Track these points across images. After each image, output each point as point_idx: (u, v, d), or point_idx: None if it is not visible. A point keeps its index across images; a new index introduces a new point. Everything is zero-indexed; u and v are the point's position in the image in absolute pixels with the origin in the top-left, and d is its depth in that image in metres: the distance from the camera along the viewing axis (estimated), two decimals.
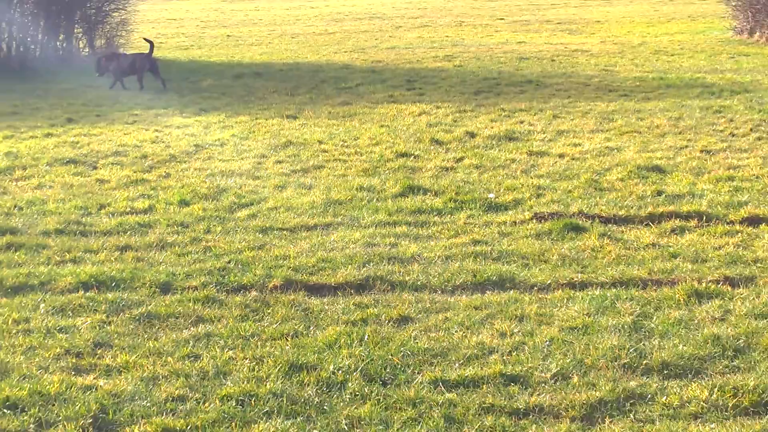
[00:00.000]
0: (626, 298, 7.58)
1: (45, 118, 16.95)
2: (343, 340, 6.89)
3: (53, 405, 6.01)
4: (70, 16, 27.28)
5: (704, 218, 9.69)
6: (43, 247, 9.38)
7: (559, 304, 7.52)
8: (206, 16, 46.61)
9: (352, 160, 12.95)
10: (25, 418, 5.86)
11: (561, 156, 12.76)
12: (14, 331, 7.24)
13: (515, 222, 9.76)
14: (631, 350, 6.60)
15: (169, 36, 34.95)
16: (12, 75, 23.61)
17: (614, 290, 7.79)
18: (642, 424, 5.74)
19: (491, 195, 10.77)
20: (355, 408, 5.95)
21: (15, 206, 10.94)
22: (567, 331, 6.98)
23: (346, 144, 13.96)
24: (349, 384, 6.24)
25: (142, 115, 17.02)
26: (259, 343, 6.94)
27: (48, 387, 6.21)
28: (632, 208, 10.14)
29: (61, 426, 5.76)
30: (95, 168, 12.96)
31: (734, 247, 8.86)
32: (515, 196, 10.70)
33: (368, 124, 15.48)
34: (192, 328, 7.25)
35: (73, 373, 6.50)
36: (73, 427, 5.74)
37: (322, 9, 48.43)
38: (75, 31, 27.49)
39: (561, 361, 6.48)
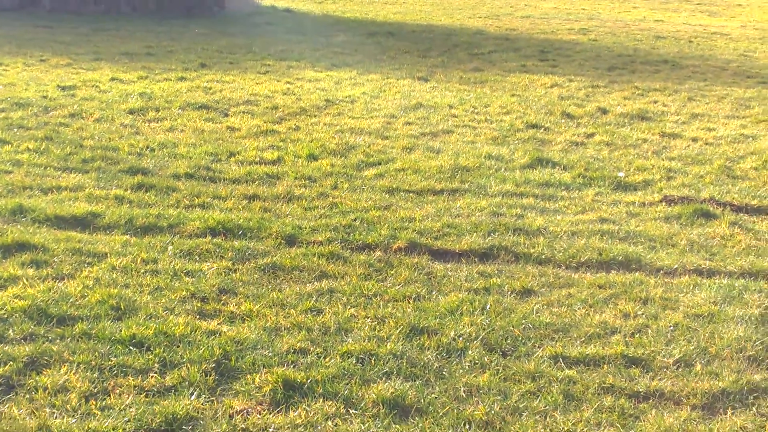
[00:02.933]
0: (755, 290, 7.44)
1: (179, 62, 17.16)
2: (465, 308, 6.88)
3: (178, 346, 6.10)
4: None
5: None
6: (173, 190, 9.51)
7: (685, 290, 7.41)
8: None
9: (482, 127, 12.89)
10: (150, 357, 5.96)
11: (694, 140, 12.55)
12: (142, 271, 7.36)
13: (644, 203, 9.63)
14: (757, 342, 6.49)
15: None
16: (149, 16, 23.95)
17: (743, 281, 7.63)
18: (765, 418, 5.65)
19: (621, 174, 10.64)
20: (474, 376, 5.94)
21: (147, 147, 11.11)
22: (692, 318, 6.88)
23: (476, 110, 13.90)
24: (469, 352, 6.23)
25: (275, 66, 17.13)
26: (381, 303, 6.96)
27: (173, 328, 6.31)
28: (766, 198, 9.94)
29: (184, 367, 5.85)
30: (226, 115, 13.08)
31: None
32: (645, 177, 10.56)
33: (499, 92, 15.39)
34: (315, 283, 7.30)
35: (198, 316, 6.59)
36: (196, 369, 5.82)
37: None
38: None
39: (684, 347, 6.39)
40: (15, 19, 21.90)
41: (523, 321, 6.70)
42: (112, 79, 15.11)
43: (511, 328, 6.59)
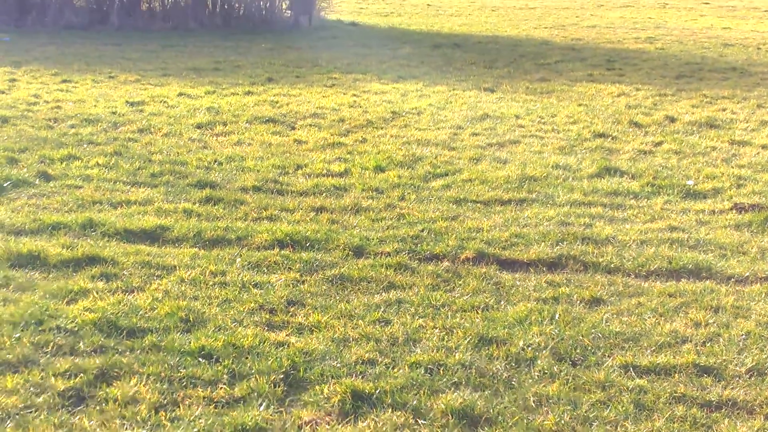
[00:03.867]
0: None
1: (246, 76, 17.26)
2: (533, 317, 6.85)
3: (246, 358, 6.12)
4: None
5: None
6: (240, 203, 9.55)
7: (756, 298, 7.32)
8: None
9: (549, 137, 12.83)
10: (219, 368, 5.98)
11: (764, 147, 12.40)
12: (211, 283, 7.39)
13: (714, 211, 9.53)
14: None
15: (370, 2, 35.21)
16: (216, 32, 24.16)
17: None
18: None
19: (690, 182, 10.55)
20: (544, 386, 5.90)
21: (215, 161, 11.17)
22: (764, 326, 6.79)
23: (543, 120, 13.84)
24: (538, 361, 6.19)
25: (341, 79, 17.18)
26: (449, 313, 6.94)
27: (242, 340, 6.33)
28: None
29: (253, 379, 5.86)
30: (293, 128, 13.13)
31: None
32: (715, 185, 10.45)
33: (566, 102, 15.33)
34: (383, 294, 7.29)
35: (266, 328, 6.60)
36: (264, 381, 5.83)
37: None
38: None
39: (757, 356, 6.31)
40: (84, 38, 22.18)
41: (593, 330, 6.65)
42: (180, 94, 15.23)
43: (581, 337, 6.54)
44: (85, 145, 11.73)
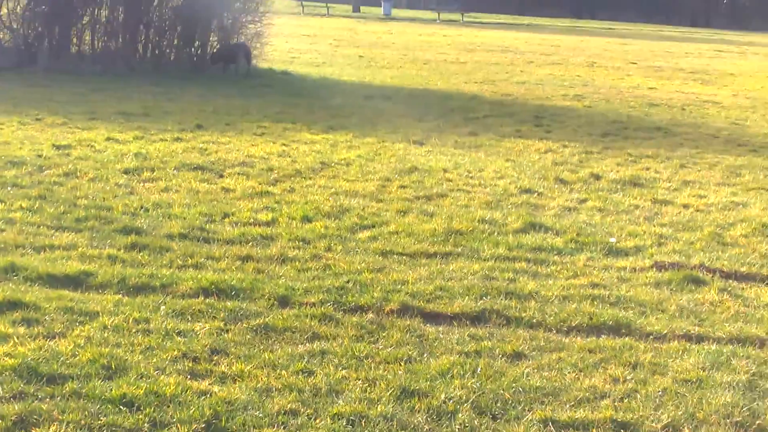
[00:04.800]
0: (743, 356, 7.45)
1: (175, 122, 17.24)
2: (456, 370, 6.89)
3: (168, 406, 6.09)
4: (207, 25, 27.71)
5: None
6: (166, 250, 9.53)
7: (674, 356, 7.42)
8: (339, 34, 47.07)
9: (476, 191, 12.95)
10: (140, 416, 5.95)
11: (685, 206, 12.61)
12: (134, 330, 7.36)
13: (635, 269, 9.66)
14: (744, 409, 6.50)
15: (302, 51, 35.36)
16: (146, 77, 24.10)
17: (731, 347, 7.65)
18: None
19: (612, 239, 10.69)
20: None
21: (141, 207, 11.14)
22: (680, 383, 6.89)
23: (470, 175, 13.96)
24: (459, 415, 6.23)
25: (271, 128, 17.22)
26: (372, 365, 6.96)
27: (164, 388, 6.31)
28: (755, 265, 9.99)
29: (174, 427, 5.84)
30: (222, 176, 13.13)
31: None
32: (636, 243, 10.60)
33: (494, 157, 15.48)
34: (307, 344, 7.30)
35: (189, 376, 6.58)
36: (186, 430, 5.81)
37: (454, 38, 48.63)
38: (210, 39, 27.92)
39: (673, 412, 6.39)
40: (11, 78, 22.01)
41: (514, 384, 6.70)
42: (108, 138, 15.18)
43: (502, 391, 6.59)
44: (9, 188, 11.64)
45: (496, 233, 10.76)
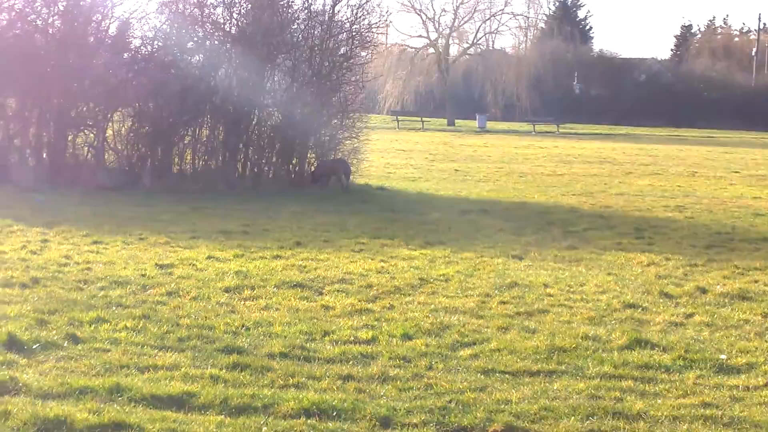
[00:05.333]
0: None
1: (274, 240, 17.33)
2: None
3: None
4: (305, 142, 28.03)
5: None
6: (267, 370, 9.50)
7: None
8: (435, 149, 47.33)
9: (578, 306, 12.77)
10: None
11: None
12: None
13: (748, 387, 9.40)
14: None
15: (398, 167, 35.56)
16: (245, 194, 24.38)
17: None
18: None
19: (723, 356, 10.43)
20: None
21: (243, 326, 11.15)
22: None
23: (571, 289, 13.79)
24: None
25: (369, 244, 17.22)
26: None
27: None
28: None
29: None
30: (321, 294, 13.12)
31: None
32: (749, 360, 10.32)
33: (595, 271, 15.29)
34: None
35: None
36: None
37: (551, 150, 48.63)
38: (308, 156, 28.21)
39: None
40: (116, 198, 22.39)
41: None
42: (209, 257, 15.28)
43: None
44: (114, 308, 11.74)
45: (600, 350, 10.58)
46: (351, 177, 27.24)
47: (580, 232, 19.70)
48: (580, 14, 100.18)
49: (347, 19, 28.61)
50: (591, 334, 11.19)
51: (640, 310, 12.64)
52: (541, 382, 9.43)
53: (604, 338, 11.07)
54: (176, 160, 26.62)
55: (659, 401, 8.89)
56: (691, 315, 12.41)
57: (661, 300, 13.27)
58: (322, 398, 8.59)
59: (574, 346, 10.66)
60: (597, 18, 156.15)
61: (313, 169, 27.42)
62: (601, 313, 12.36)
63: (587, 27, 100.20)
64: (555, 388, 9.22)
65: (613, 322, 11.95)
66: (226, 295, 12.76)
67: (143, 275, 13.66)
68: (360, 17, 28.62)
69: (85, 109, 26.22)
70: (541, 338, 10.96)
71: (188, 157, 26.76)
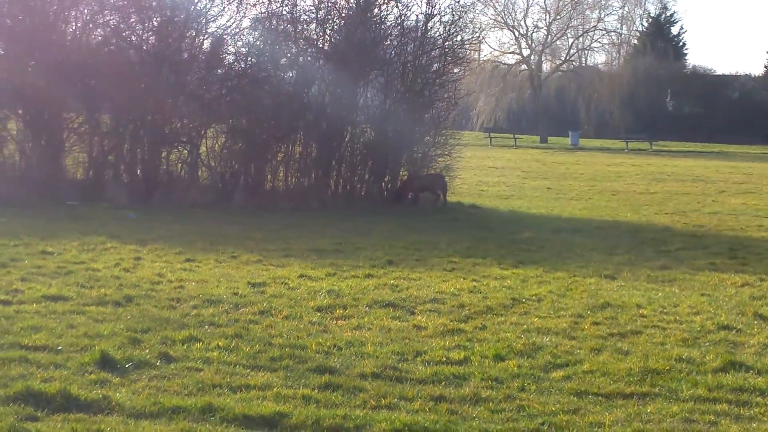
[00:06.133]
0: None
1: (366, 258, 17.37)
2: None
3: None
4: (398, 159, 28.10)
5: None
6: (359, 390, 9.53)
7: None
8: (527, 166, 47.20)
9: (671, 328, 12.65)
10: None
11: None
12: None
13: None
14: None
15: (490, 185, 35.51)
16: (338, 212, 24.49)
17: None
18: None
19: None
20: None
21: (334, 345, 11.19)
22: None
23: (665, 310, 13.65)
24: None
25: (461, 263, 17.21)
26: None
27: None
28: None
29: None
30: (413, 313, 13.13)
31: None
32: None
33: (688, 292, 15.13)
34: None
35: None
36: None
37: (644, 167, 48.25)
38: (400, 173, 28.27)
39: None
40: (208, 216, 22.59)
41: None
42: (301, 275, 15.36)
43: None
44: (206, 327, 11.85)
45: (694, 372, 10.47)
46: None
47: (673, 251, 19.50)
48: (674, 30, 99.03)
49: (440, 35, 28.67)
50: (685, 356, 11.08)
51: (734, 331, 12.48)
52: (634, 404, 9.36)
53: (698, 360, 10.95)
54: (269, 177, 26.80)
55: (754, 425, 8.79)
56: None
57: (755, 321, 13.10)
58: (414, 419, 8.61)
59: (667, 368, 10.56)
60: (690, 34, 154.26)
61: (399, 184, 27.48)
62: (694, 335, 12.23)
63: (680, 43, 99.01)
64: (648, 411, 9.15)
65: (707, 344, 11.82)
66: (318, 314, 12.82)
67: (236, 294, 13.77)
68: (453, 33, 28.69)
69: (179, 125, 26.52)
70: (634, 360, 10.87)
71: (281, 174, 26.92)
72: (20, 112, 25.58)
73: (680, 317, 13.26)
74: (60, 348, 10.60)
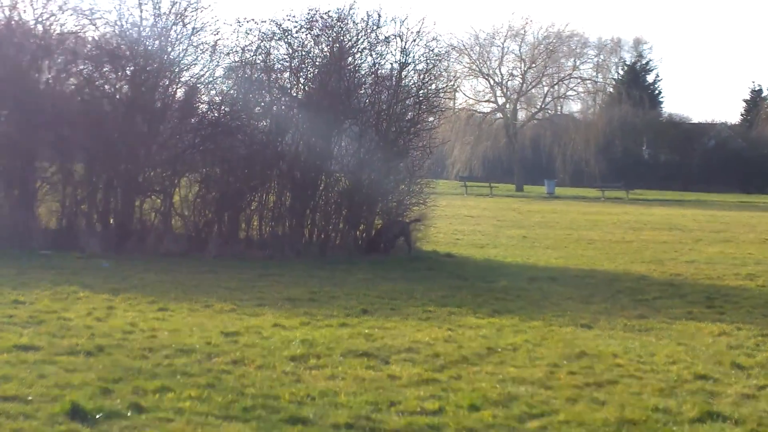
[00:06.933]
0: None
1: (341, 307, 17.25)
2: None
3: None
4: (372, 207, 28.00)
5: None
6: None
7: None
8: (503, 214, 47.24)
9: (648, 377, 12.55)
10: None
11: None
12: None
13: None
14: None
15: (466, 233, 35.46)
16: (312, 261, 24.37)
17: None
18: None
19: None
20: None
21: (308, 395, 11.05)
22: None
23: (642, 360, 13.56)
24: None
25: (436, 312, 17.10)
26: None
27: None
28: None
29: None
30: (387, 363, 12.99)
31: None
32: None
33: (665, 341, 15.05)
34: None
35: None
36: None
37: (620, 216, 48.38)
38: (375, 222, 28.16)
39: None
40: (182, 264, 22.42)
41: None
42: (275, 324, 15.22)
43: None
44: (178, 376, 11.69)
45: (671, 423, 10.39)
46: (417, 244, 27.21)
47: (650, 300, 19.45)
48: (649, 78, 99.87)
49: (414, 83, 28.61)
50: (661, 407, 10.99)
51: (711, 381, 12.40)
52: None
53: (675, 410, 10.86)
54: (243, 225, 26.64)
55: None
56: (763, 387, 12.14)
57: (732, 371, 13.02)
58: None
59: (644, 418, 10.47)
60: (666, 82, 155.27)
61: (374, 233, 27.39)
62: (671, 385, 12.14)
63: (656, 91, 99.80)
64: None
65: (684, 393, 11.73)
66: (292, 363, 12.67)
67: (209, 343, 13.62)
68: (427, 82, 28.63)
69: (152, 174, 26.36)
70: (610, 410, 10.77)
71: (255, 223, 26.78)
72: None
73: (657, 367, 13.17)
74: (30, 398, 10.43)
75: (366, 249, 26.77)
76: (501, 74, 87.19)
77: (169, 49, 26.45)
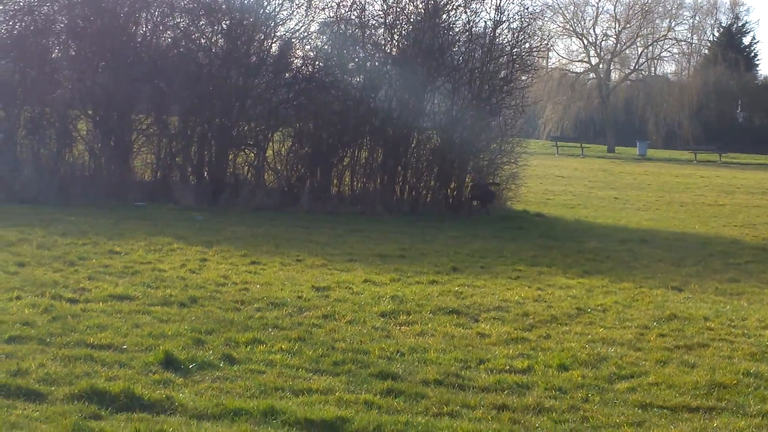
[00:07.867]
0: None
1: (431, 265, 17.31)
2: None
3: None
4: (464, 166, 27.97)
5: None
6: (422, 397, 9.48)
7: None
8: (594, 176, 46.90)
9: (739, 341, 12.46)
10: None
11: None
12: None
13: None
14: None
15: (556, 193, 35.31)
16: (403, 218, 24.44)
17: None
18: None
19: None
20: None
21: (397, 351, 11.14)
22: None
23: (733, 323, 13.47)
24: None
25: (526, 272, 17.10)
26: None
27: None
28: None
29: None
30: (477, 321, 13.05)
31: None
32: None
33: (757, 305, 14.92)
34: None
35: None
36: None
37: (713, 179, 47.79)
38: (466, 181, 28.13)
39: None
40: (274, 219, 22.64)
41: None
42: (365, 280, 15.33)
43: None
44: (270, 330, 11.84)
45: (762, 387, 10.30)
46: (508, 203, 27.22)
47: (742, 264, 19.26)
48: (745, 41, 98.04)
49: (508, 42, 28.49)
50: (752, 371, 10.91)
51: None
52: (700, 418, 9.22)
53: (767, 375, 10.78)
54: (335, 181, 26.84)
55: None
56: None
57: None
58: (476, 428, 8.54)
59: (734, 382, 10.41)
60: (763, 44, 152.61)
61: (468, 191, 27.41)
62: (763, 349, 12.04)
63: (752, 54, 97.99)
64: (715, 425, 9.01)
65: None
66: (382, 319, 12.77)
67: (300, 297, 13.76)
68: (521, 41, 28.50)
69: (246, 128, 26.65)
70: (700, 373, 10.72)
71: (347, 179, 26.97)
72: (90, 112, 25.79)
73: (749, 331, 13.07)
74: (125, 347, 10.65)
75: (458, 207, 26.79)
76: (595, 34, 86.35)
77: (265, 3, 26.62)
